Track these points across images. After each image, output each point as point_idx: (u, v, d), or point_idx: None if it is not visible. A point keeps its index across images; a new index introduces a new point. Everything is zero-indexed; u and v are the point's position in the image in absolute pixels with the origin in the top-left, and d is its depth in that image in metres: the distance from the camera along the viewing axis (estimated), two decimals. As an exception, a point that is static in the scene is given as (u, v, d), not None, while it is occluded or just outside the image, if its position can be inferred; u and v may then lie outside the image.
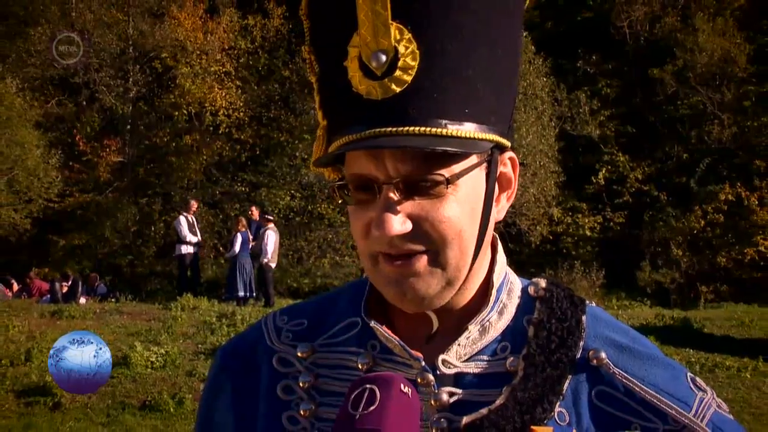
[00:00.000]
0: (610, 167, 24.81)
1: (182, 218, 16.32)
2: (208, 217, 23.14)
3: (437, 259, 0.98)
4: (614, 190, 24.66)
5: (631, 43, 26.26)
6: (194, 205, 17.00)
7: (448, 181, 0.95)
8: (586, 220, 24.29)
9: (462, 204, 0.98)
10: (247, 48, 25.56)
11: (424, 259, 0.98)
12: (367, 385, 0.89)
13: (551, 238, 23.86)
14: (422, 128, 0.94)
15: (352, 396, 0.89)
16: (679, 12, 25.86)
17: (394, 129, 0.94)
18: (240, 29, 25.56)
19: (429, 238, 0.97)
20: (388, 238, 0.96)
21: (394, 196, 0.96)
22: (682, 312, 16.01)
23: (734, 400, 9.81)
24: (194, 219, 16.62)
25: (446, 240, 0.97)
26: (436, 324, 1.06)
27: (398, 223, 0.95)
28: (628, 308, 18.00)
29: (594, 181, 24.60)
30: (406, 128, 0.94)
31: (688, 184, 24.15)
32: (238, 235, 15.70)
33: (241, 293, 15.41)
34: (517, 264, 22.00)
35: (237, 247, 15.48)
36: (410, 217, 0.96)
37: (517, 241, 23.09)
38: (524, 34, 23.06)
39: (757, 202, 22.88)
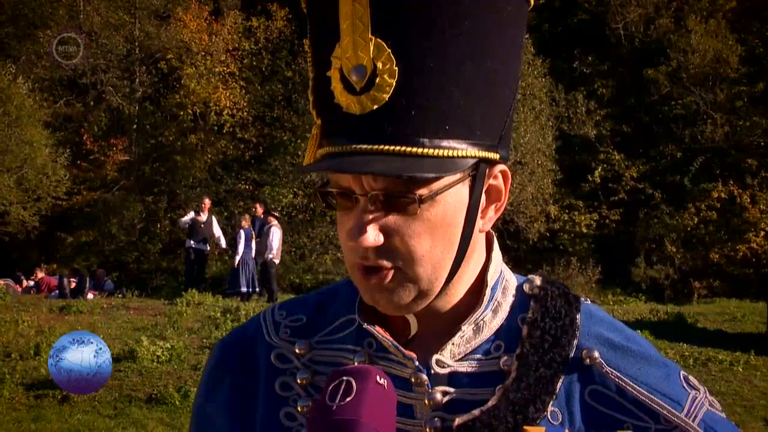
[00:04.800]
0: (605, 166, 24.74)
1: (191, 213, 16.85)
2: (213, 215, 23.28)
3: (406, 275, 0.98)
4: (610, 188, 24.60)
5: (626, 44, 26.14)
6: (206, 204, 17.23)
7: (422, 200, 0.94)
8: (583, 218, 24.27)
9: (437, 221, 0.96)
10: (251, 49, 25.52)
11: (393, 275, 0.98)
12: (344, 377, 0.89)
13: (548, 235, 23.89)
14: (397, 147, 0.92)
15: (329, 388, 0.89)
16: (672, 14, 25.71)
17: (369, 147, 0.93)
18: (244, 31, 25.51)
19: (398, 254, 0.97)
20: (362, 249, 0.96)
21: (370, 208, 0.95)
22: (675, 307, 16.17)
23: (726, 393, 9.81)
24: (208, 217, 16.83)
25: (414, 256, 0.96)
26: (414, 328, 1.06)
27: (371, 236, 0.95)
28: (623, 303, 18.11)
29: (590, 179, 24.52)
30: (381, 147, 0.92)
31: (682, 183, 24.17)
32: (241, 232, 15.83)
33: (244, 289, 15.52)
34: (514, 261, 22.28)
35: (241, 247, 15.62)
36: (383, 230, 0.96)
37: (514, 238, 23.14)
38: (525, 37, 23.51)
39: (749, 200, 22.89)
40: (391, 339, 1.04)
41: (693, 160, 24.27)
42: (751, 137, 24.31)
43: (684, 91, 24.68)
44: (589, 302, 1.11)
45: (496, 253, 1.09)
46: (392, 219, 0.96)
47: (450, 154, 0.94)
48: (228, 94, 24.35)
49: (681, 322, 13.80)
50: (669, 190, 24.34)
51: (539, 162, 21.78)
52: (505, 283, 1.09)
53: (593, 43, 26.19)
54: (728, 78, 24.68)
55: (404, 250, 0.96)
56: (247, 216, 16.80)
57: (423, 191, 0.94)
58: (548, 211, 23.51)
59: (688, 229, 23.28)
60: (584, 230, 24.32)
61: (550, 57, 23.91)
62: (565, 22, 27.32)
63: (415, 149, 0.93)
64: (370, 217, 0.95)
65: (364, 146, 0.93)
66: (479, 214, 1.02)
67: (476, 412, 0.99)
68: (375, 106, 0.93)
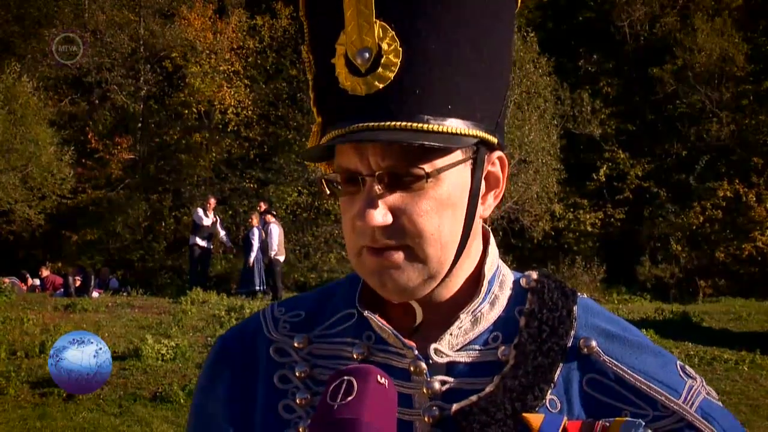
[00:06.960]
0: (610, 164, 24.72)
1: (200, 209, 16.89)
2: (218, 213, 23.32)
3: (416, 255, 0.99)
4: (615, 186, 24.60)
5: (631, 42, 26.07)
6: (212, 203, 17.29)
7: (428, 176, 0.96)
8: (588, 216, 24.26)
9: (443, 199, 0.98)
10: (256, 47, 25.44)
11: (403, 254, 0.99)
12: (345, 377, 0.90)
13: (553, 233, 23.85)
14: (403, 123, 0.95)
15: (331, 387, 0.90)
16: (678, 12, 25.67)
17: (376, 124, 0.95)
18: (248, 29, 25.45)
19: (407, 232, 0.98)
20: (370, 230, 0.98)
21: (377, 188, 0.97)
22: (681, 306, 16.12)
23: (732, 393, 9.73)
24: (213, 216, 16.93)
25: (423, 235, 0.98)
26: (420, 316, 1.07)
27: (380, 215, 0.96)
28: (628, 302, 18.08)
29: (595, 178, 24.52)
30: (388, 123, 0.95)
31: (687, 181, 24.11)
32: (255, 230, 15.89)
33: (258, 287, 15.68)
34: (519, 259, 22.28)
35: (256, 245, 15.72)
36: (391, 210, 0.97)
37: (519, 237, 23.17)
38: (531, 35, 23.08)
39: (754, 199, 22.83)
40: (390, 328, 1.05)
41: (698, 159, 24.24)
42: (757, 136, 24.25)
43: (689, 89, 24.60)
44: (585, 297, 1.13)
45: (493, 247, 1.12)
46: (399, 198, 0.98)
47: (453, 131, 0.97)
48: (232, 93, 24.31)
49: (686, 321, 13.78)
50: (674, 188, 24.33)
51: (544, 161, 21.73)
52: (502, 277, 1.11)
53: (598, 42, 26.16)
54: (734, 76, 24.57)
55: (413, 230, 0.98)
56: (256, 214, 16.86)
57: (428, 167, 0.97)
58: (553, 209, 23.48)
59: (694, 227, 23.23)
60: (589, 229, 24.31)
61: (555, 55, 23.84)
62: (570, 20, 27.34)
63: (420, 125, 0.96)
64: (378, 197, 0.97)
65: (371, 123, 0.96)
66: (480, 200, 1.05)
67: (474, 398, 1.01)
68: (381, 85, 0.96)
